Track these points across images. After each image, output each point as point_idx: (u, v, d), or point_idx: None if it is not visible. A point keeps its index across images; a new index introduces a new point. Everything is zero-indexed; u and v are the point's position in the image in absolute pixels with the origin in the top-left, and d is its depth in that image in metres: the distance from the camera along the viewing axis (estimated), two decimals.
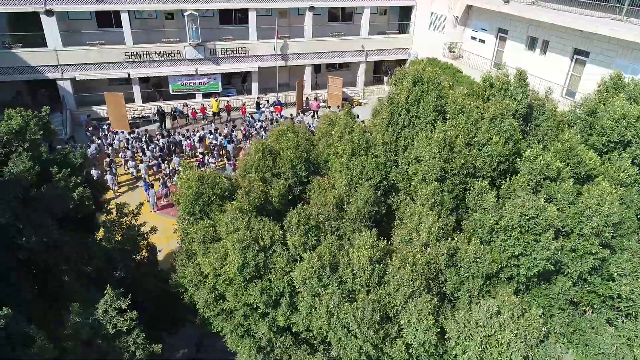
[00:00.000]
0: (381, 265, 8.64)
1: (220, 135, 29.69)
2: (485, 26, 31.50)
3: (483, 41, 31.88)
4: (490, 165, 10.38)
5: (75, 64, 31.46)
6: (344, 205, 12.18)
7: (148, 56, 32.74)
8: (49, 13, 29.30)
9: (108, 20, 32.75)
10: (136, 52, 32.38)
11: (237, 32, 35.23)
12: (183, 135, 29.55)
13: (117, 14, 31.89)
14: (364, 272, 8.39)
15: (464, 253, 8.92)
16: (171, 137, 29.37)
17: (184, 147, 29.18)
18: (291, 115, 34.43)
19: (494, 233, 9.36)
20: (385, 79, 41.37)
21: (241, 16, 36.10)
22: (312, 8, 35.22)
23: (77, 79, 31.91)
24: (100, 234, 14.33)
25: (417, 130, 11.69)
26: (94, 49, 31.43)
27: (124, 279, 11.60)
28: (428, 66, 12.60)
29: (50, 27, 29.88)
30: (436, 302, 8.17)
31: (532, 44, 28.25)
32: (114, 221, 12.34)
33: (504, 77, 12.95)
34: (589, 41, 24.35)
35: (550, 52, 26.91)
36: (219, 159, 27.46)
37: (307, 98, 38.13)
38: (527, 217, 8.74)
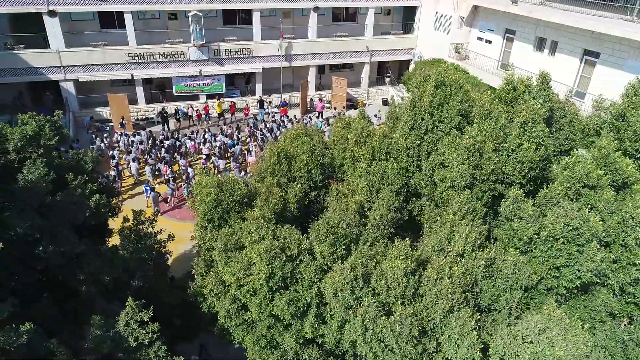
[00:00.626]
0: (416, 276, 8.37)
1: (225, 136, 29.38)
2: (492, 27, 31.28)
3: (490, 42, 31.66)
4: (521, 171, 10.13)
5: (78, 65, 31.07)
6: (366, 212, 11.92)
7: (151, 57, 32.38)
8: (52, 14, 28.91)
9: (111, 20, 32.36)
10: (140, 53, 32.02)
11: (240, 32, 34.91)
12: (188, 137, 29.21)
13: (119, 14, 31.56)
14: (399, 284, 8.11)
15: (501, 264, 8.66)
16: (175, 138, 29.00)
17: (188, 149, 28.87)
18: (295, 116, 34.14)
19: (532, 243, 9.11)
20: (387, 79, 41.18)
21: (245, 16, 35.77)
22: (316, 8, 34.94)
23: (80, 80, 31.53)
24: (113, 240, 14.06)
25: (441, 135, 11.43)
26: (97, 50, 31.06)
27: (141, 288, 11.30)
28: (451, 69, 12.33)
29: (53, 28, 29.50)
30: (478, 317, 7.91)
31: (540, 44, 28.05)
32: (131, 229, 12.02)
33: (526, 80, 12.67)
34: (600, 42, 24.15)
35: (559, 52, 26.70)
36: (226, 162, 27.10)
37: (311, 99, 37.85)
38: (571, 228, 8.49)
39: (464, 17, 33.19)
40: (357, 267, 8.31)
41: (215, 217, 11.14)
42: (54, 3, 28.86)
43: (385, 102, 39.87)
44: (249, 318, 10.30)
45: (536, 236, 9.00)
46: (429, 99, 11.41)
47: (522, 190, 9.81)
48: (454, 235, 9.21)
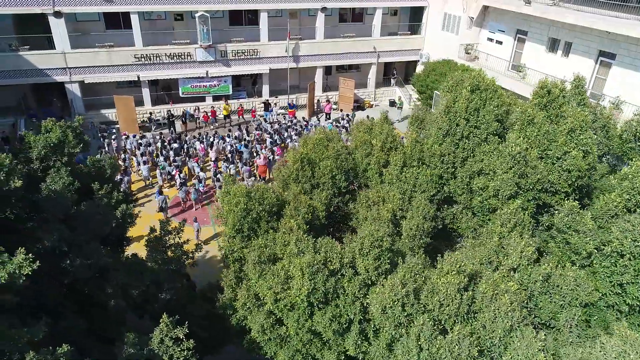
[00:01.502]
0: (469, 292, 8.02)
1: (235, 139, 28.99)
2: (502, 27, 30.97)
3: (500, 42, 31.35)
4: (567, 180, 9.80)
5: (83, 67, 30.61)
6: (399, 221, 11.56)
7: (158, 58, 31.93)
8: (58, 15, 28.42)
9: (116, 21, 31.89)
10: (146, 55, 31.56)
11: (246, 33, 34.47)
12: (198, 140, 28.80)
13: (125, 15, 31.09)
14: (452, 301, 7.76)
15: (558, 279, 8.32)
16: (184, 141, 28.58)
17: (197, 151, 28.45)
18: (303, 118, 33.76)
19: (592, 258, 8.77)
20: (393, 80, 40.85)
21: (251, 17, 35.35)
22: (324, 9, 34.56)
23: (85, 81, 31.05)
24: (130, 249, 13.64)
25: (478, 141, 11.08)
26: (102, 51, 30.59)
27: (169, 301, 10.90)
28: (482, 74, 11.98)
29: (59, 29, 29.00)
30: (543, 336, 7.56)
31: (553, 45, 27.76)
32: (159, 239, 11.61)
33: (560, 84, 12.33)
34: (616, 43, 23.88)
35: (573, 53, 26.42)
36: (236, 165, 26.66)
37: (318, 100, 37.47)
38: (639, 244, 8.15)
39: (473, 18, 32.87)
40: (408, 282, 7.95)
41: (245, 227, 10.76)
42: (60, 4, 28.38)
43: (392, 103, 39.53)
44: (284, 333, 9.92)
45: (596, 251, 8.67)
46: (464, 104, 11.05)
47: (570, 200, 9.46)
48: (502, 247, 8.86)
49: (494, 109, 11.16)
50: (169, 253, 11.36)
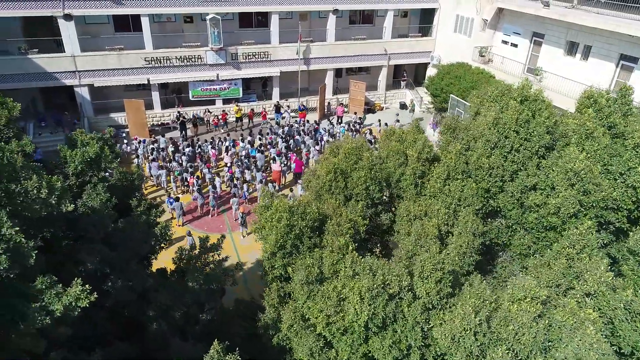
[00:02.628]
0: (545, 320, 7.62)
1: (247, 143, 28.52)
2: (518, 30, 30.60)
3: (515, 45, 30.97)
4: (631, 197, 9.42)
5: (93, 70, 30.07)
6: (444, 237, 11.16)
7: (168, 61, 31.44)
8: (68, 17, 27.88)
9: (125, 24, 31.37)
10: (156, 57, 31.05)
11: (256, 35, 34.01)
12: (211, 144, 28.34)
13: (134, 17, 30.59)
14: (529, 330, 7.36)
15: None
16: (198, 145, 28.10)
17: (209, 156, 27.99)
18: (315, 121, 33.30)
19: None
20: (403, 82, 40.45)
21: (261, 19, 34.89)
22: (336, 11, 34.10)
23: (95, 85, 30.52)
24: (157, 264, 13.17)
25: (529, 154, 10.68)
26: (112, 54, 30.07)
27: (210, 321, 10.47)
28: (528, 85, 11.58)
29: (69, 32, 28.47)
30: None
31: (571, 48, 27.40)
32: (198, 257, 11.15)
33: (605, 92, 11.94)
34: (638, 47, 23.52)
35: (593, 57, 26.07)
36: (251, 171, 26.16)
37: (328, 103, 37.05)
38: None
39: (487, 20, 32.48)
40: (480, 310, 7.54)
41: (288, 244, 10.32)
42: (70, 6, 27.85)
43: (402, 106, 39.15)
44: (334, 357, 9.50)
45: None
46: (514, 116, 10.64)
47: (628, 218, 9.10)
48: (570, 269, 8.47)
49: (545, 121, 10.76)
50: (207, 269, 10.90)
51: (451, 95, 29.23)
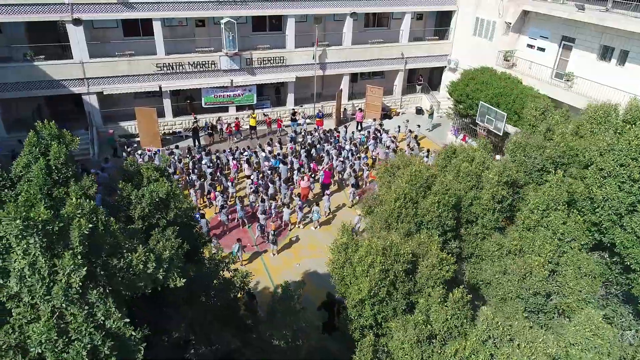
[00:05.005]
0: None
1: (269, 153, 27.18)
2: (545, 33, 29.57)
3: (543, 49, 29.94)
4: None
5: (102, 77, 28.54)
6: (551, 276, 9.96)
7: (181, 67, 29.97)
8: (77, 22, 26.32)
9: (135, 28, 29.82)
10: (168, 64, 29.57)
11: (270, 40, 32.63)
12: (231, 154, 26.93)
13: (144, 21, 29.09)
14: None
15: None
16: (217, 156, 26.66)
17: (230, 167, 26.57)
18: (335, 129, 31.98)
19: None
20: (419, 87, 39.33)
21: (275, 22, 33.50)
22: (353, 14, 32.85)
23: (104, 93, 28.97)
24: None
25: None
26: (123, 61, 28.53)
27: None
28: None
29: (77, 38, 26.93)
30: None
31: (605, 53, 26.41)
32: (282, 303, 9.68)
33: None
34: None
35: (630, 62, 25.09)
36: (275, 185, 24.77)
37: (344, 109, 35.78)
38: None
39: (511, 23, 31.42)
40: None
41: (383, 292, 9.06)
42: (79, 11, 26.29)
43: (418, 111, 38.02)
44: None
45: None
46: (634, 141, 9.48)
47: None
48: None
49: None
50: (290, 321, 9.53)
51: (480, 102, 28.10)
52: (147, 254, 5.79)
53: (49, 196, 7.46)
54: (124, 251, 5.69)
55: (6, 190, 8.51)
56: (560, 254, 9.86)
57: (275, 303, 8.91)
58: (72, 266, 5.06)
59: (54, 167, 7.51)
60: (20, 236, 4.96)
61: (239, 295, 9.30)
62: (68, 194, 7.48)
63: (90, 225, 5.38)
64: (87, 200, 5.81)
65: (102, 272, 5.42)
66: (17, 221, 4.90)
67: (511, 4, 31.00)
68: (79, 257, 5.17)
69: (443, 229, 12.92)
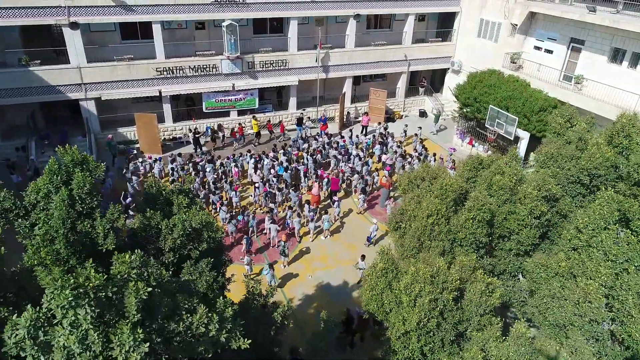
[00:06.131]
0: None
1: (274, 159, 26.41)
2: (554, 35, 29.08)
3: (550, 51, 29.45)
4: None
5: (100, 82, 27.59)
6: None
7: (181, 71, 29.09)
8: (74, 26, 25.36)
9: (133, 31, 28.92)
10: (168, 68, 28.68)
11: (272, 42, 31.85)
12: (234, 162, 26.13)
13: (142, 24, 28.19)
14: None
15: None
16: (221, 163, 25.84)
17: (232, 175, 25.75)
18: (341, 134, 31.22)
19: None
20: (422, 89, 38.74)
21: (276, 24, 32.74)
22: (357, 16, 32.17)
23: (102, 98, 28.01)
24: None
25: None
26: (122, 65, 27.60)
27: None
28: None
29: (74, 42, 25.97)
30: None
31: (616, 55, 25.97)
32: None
33: None
34: None
35: None
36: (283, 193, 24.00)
37: (348, 112, 35.09)
38: None
39: (517, 25, 30.94)
40: None
41: (432, 323, 8.38)
42: (76, 14, 25.34)
43: (422, 114, 37.44)
44: None
45: None
46: None
47: None
48: None
49: None
50: None
51: (490, 106, 27.54)
52: (209, 314, 5.04)
53: (73, 230, 6.68)
54: (183, 312, 4.94)
55: (20, 219, 7.72)
56: (614, 277, 9.25)
57: (316, 339, 8.17)
58: (131, 342, 4.29)
59: (77, 197, 6.73)
60: (67, 306, 4.17)
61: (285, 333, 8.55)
62: (94, 228, 6.70)
63: (149, 289, 4.61)
64: (138, 251, 5.05)
65: (158, 340, 4.67)
66: (67, 291, 4.11)
67: (518, 5, 30.51)
68: (139, 329, 4.36)
69: (477, 245, 12.30)
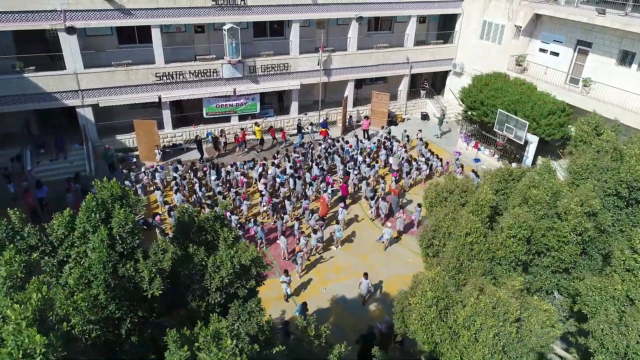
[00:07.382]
0: None
1: (278, 167, 25.71)
2: (559, 38, 28.74)
3: (556, 54, 29.11)
4: None
5: (98, 88, 26.65)
6: None
7: (181, 77, 28.25)
8: (71, 30, 24.39)
9: (131, 35, 27.99)
10: (168, 73, 27.83)
11: (272, 46, 31.09)
12: (237, 169, 25.37)
13: (140, 28, 27.31)
14: None
15: None
16: (227, 171, 25.06)
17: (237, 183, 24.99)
18: (344, 139, 30.56)
19: None
20: (423, 92, 38.28)
21: (276, 27, 31.99)
22: (360, 18, 31.55)
23: (100, 105, 27.07)
24: None
25: None
26: (120, 71, 26.68)
27: None
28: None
29: (70, 47, 25.02)
30: None
31: (625, 58, 25.67)
32: None
33: None
34: None
35: None
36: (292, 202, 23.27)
37: (350, 116, 34.47)
38: None
39: (521, 27, 30.59)
40: None
41: (496, 359, 7.81)
42: (72, 18, 24.37)
43: (424, 117, 36.96)
44: None
45: None
46: None
47: None
48: None
49: None
50: None
51: (499, 110, 27.11)
52: None
53: (114, 273, 5.98)
54: None
55: (46, 257, 6.98)
56: None
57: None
58: None
59: (117, 237, 6.03)
60: None
61: None
62: (137, 271, 6.00)
63: None
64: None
65: None
66: None
67: (522, 7, 30.15)
68: None
69: (515, 263, 11.79)
